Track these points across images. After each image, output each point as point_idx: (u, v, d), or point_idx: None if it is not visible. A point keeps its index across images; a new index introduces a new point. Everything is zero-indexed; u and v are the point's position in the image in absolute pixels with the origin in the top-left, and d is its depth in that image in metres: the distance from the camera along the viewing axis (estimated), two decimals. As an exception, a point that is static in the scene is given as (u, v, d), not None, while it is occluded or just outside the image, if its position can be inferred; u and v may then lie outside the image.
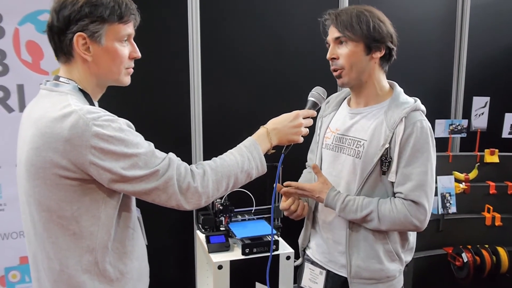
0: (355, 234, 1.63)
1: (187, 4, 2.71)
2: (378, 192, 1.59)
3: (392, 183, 1.56)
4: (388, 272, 1.63)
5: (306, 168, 1.97)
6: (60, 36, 1.21)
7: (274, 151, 1.43)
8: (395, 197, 1.57)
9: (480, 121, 3.14)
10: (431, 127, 1.56)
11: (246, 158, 1.33)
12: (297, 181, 1.83)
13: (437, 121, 3.04)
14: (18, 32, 2.27)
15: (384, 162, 1.54)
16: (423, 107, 1.60)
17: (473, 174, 3.05)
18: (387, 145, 1.53)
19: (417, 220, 1.52)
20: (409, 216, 1.51)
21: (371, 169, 1.56)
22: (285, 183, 1.69)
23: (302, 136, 1.47)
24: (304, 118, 1.47)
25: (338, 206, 1.59)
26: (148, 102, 2.76)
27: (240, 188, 2.49)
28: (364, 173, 1.58)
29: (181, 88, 2.79)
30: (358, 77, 1.59)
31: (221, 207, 2.50)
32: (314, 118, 1.52)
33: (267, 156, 1.44)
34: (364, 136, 1.60)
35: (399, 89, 1.64)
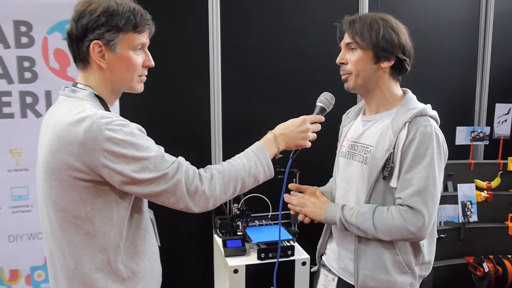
0: (364, 242, 1.61)
1: (207, 9, 2.77)
2: (388, 199, 1.57)
3: (395, 188, 1.54)
4: (395, 284, 1.58)
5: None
6: (78, 43, 1.28)
7: (281, 155, 1.46)
8: (395, 203, 1.54)
9: (503, 128, 3.09)
10: (438, 133, 1.52)
11: (253, 162, 1.36)
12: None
13: (458, 128, 3.01)
14: (47, 40, 2.36)
15: (386, 167, 1.52)
16: (432, 113, 1.56)
17: (495, 182, 3.00)
18: (391, 150, 1.51)
19: (413, 226, 1.47)
20: (404, 223, 1.47)
21: (376, 175, 1.55)
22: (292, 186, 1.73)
23: (309, 141, 1.49)
24: (312, 123, 1.49)
25: (337, 216, 1.60)
26: (170, 107, 2.82)
27: (256, 193, 2.56)
28: (370, 179, 1.57)
29: (202, 93, 2.84)
30: (364, 84, 1.59)
31: (238, 212, 2.54)
32: (324, 124, 1.54)
33: (283, 161, 1.46)
34: (371, 142, 1.60)
35: (410, 95, 1.62)
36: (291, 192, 1.76)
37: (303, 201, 1.72)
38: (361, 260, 1.62)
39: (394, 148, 1.52)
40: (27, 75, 2.34)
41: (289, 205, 1.73)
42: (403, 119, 1.52)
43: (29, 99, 2.36)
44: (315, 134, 1.50)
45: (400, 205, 1.51)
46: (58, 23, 2.36)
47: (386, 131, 1.56)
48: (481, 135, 3.04)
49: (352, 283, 1.65)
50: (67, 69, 2.41)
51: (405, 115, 1.53)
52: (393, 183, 1.53)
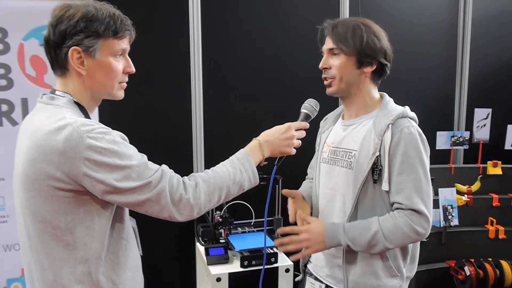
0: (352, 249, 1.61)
1: (188, 12, 2.76)
2: (376, 203, 1.58)
3: (387, 192, 1.55)
4: None
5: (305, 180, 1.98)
6: (56, 49, 1.24)
7: (266, 162, 1.44)
8: (393, 208, 1.56)
9: (482, 132, 3.13)
10: (421, 133, 1.56)
11: (238, 170, 1.34)
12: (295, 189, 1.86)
13: (438, 133, 3.04)
14: (23, 47, 2.31)
15: (375, 170, 1.54)
16: (411, 114, 1.61)
17: (475, 186, 3.03)
18: (377, 153, 1.53)
19: (421, 227, 1.51)
20: (413, 226, 1.50)
21: (363, 179, 1.55)
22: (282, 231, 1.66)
23: (294, 147, 1.48)
24: (296, 130, 1.48)
25: (341, 239, 1.55)
26: (150, 112, 2.79)
27: (239, 200, 2.54)
28: (357, 183, 1.57)
29: (182, 98, 2.82)
30: (347, 88, 1.61)
31: (220, 219, 2.52)
32: (308, 130, 1.53)
33: (266, 168, 1.45)
34: (354, 146, 1.61)
35: (387, 99, 1.66)
36: (276, 235, 1.71)
37: (299, 244, 1.62)
38: (350, 266, 1.62)
39: (380, 151, 1.53)
40: (3, 82, 2.30)
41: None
42: (385, 121, 1.54)
43: (4, 107, 2.31)
44: (300, 141, 1.50)
45: (402, 209, 1.52)
46: (35, 29, 2.32)
47: (369, 134, 1.58)
48: (461, 139, 3.08)
49: None
50: (44, 76, 2.36)
51: (386, 117, 1.56)
52: (385, 186, 1.54)
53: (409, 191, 1.51)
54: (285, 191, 1.75)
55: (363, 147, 1.58)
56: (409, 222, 1.50)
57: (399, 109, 1.60)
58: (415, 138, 1.52)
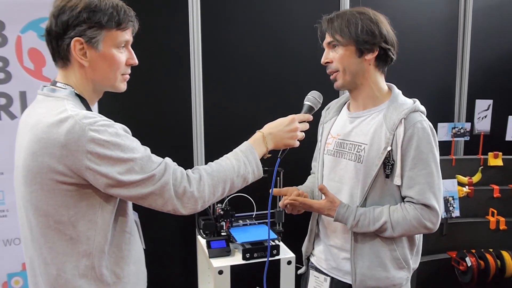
0: (360, 240, 1.61)
1: (188, 7, 2.73)
2: (385, 197, 1.58)
3: (398, 186, 1.55)
4: (394, 280, 1.61)
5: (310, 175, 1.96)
6: (58, 40, 1.22)
7: (270, 155, 1.44)
8: (404, 202, 1.56)
9: (483, 124, 3.12)
10: (432, 127, 1.55)
11: (242, 162, 1.33)
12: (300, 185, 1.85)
13: (439, 124, 3.03)
14: (21, 39, 2.28)
15: (387, 165, 1.53)
16: (422, 108, 1.59)
17: (476, 178, 3.03)
18: (389, 148, 1.52)
19: (430, 222, 1.52)
20: (423, 220, 1.51)
21: (375, 173, 1.54)
22: (291, 198, 1.65)
23: (298, 140, 1.47)
24: (300, 122, 1.47)
25: (349, 222, 1.57)
26: (150, 106, 2.77)
27: (240, 193, 2.53)
28: (367, 178, 1.57)
29: (182, 92, 2.80)
30: (353, 79, 1.59)
31: (222, 212, 2.51)
32: (310, 122, 1.52)
33: (268, 160, 1.44)
34: (364, 140, 1.59)
35: (397, 91, 1.63)
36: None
37: (307, 208, 1.66)
38: (358, 259, 1.61)
39: (392, 145, 1.52)
40: (1, 75, 2.28)
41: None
42: (398, 115, 1.53)
43: (2, 101, 2.29)
44: (303, 133, 1.49)
45: (414, 203, 1.53)
46: (32, 21, 2.29)
47: (380, 128, 1.56)
48: (461, 131, 3.07)
49: (348, 282, 1.65)
50: (43, 69, 2.34)
51: (398, 111, 1.54)
52: (397, 181, 1.53)
53: (421, 186, 1.51)
54: (275, 191, 1.71)
55: (373, 141, 1.57)
56: (419, 216, 1.51)
57: (409, 102, 1.58)
58: (428, 133, 1.52)
